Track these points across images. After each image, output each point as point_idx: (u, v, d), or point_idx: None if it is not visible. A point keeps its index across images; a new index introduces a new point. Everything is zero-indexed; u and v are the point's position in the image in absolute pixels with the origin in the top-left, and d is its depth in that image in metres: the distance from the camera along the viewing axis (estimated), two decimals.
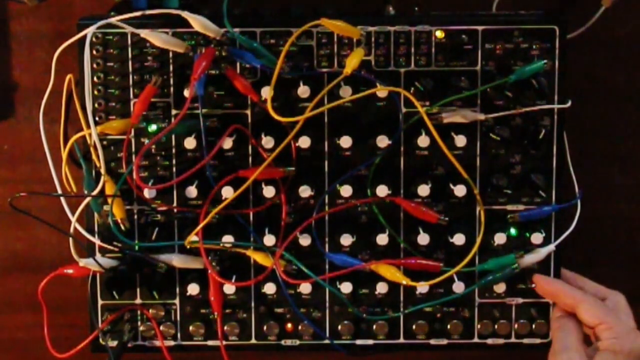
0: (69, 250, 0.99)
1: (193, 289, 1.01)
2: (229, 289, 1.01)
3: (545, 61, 0.97)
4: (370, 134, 0.98)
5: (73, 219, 0.99)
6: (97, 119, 0.99)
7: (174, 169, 1.00)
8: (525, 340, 1.02)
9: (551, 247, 0.99)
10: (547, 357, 0.96)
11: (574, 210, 0.99)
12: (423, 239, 0.99)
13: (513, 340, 1.02)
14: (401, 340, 1.02)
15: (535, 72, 0.97)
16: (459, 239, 0.99)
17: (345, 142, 0.98)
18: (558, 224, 1.00)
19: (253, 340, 1.02)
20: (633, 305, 1.05)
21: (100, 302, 1.01)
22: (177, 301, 1.02)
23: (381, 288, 1.01)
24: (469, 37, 0.98)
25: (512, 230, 1.00)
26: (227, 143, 0.99)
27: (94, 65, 0.98)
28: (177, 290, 1.02)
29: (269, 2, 1.04)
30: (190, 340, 1.02)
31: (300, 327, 1.02)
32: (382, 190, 0.98)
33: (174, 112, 0.99)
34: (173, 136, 0.99)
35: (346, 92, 0.98)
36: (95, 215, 1.00)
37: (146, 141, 0.99)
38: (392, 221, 1.00)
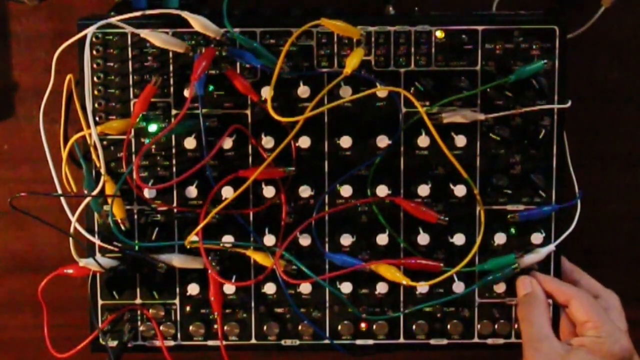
0: (69, 250, 0.99)
1: (193, 289, 1.01)
2: (229, 289, 1.01)
3: (545, 61, 0.97)
4: (370, 134, 0.98)
5: (73, 219, 0.99)
6: (97, 119, 0.99)
7: (174, 169, 1.00)
8: None
9: (551, 247, 0.99)
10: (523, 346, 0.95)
11: (574, 210, 0.99)
12: (423, 239, 0.99)
13: (513, 340, 1.02)
14: (401, 340, 1.02)
15: (535, 72, 0.97)
16: (459, 239, 0.99)
17: (345, 142, 0.98)
18: (558, 224, 1.00)
19: (253, 340, 1.02)
20: (633, 306, 1.05)
21: (100, 302, 1.01)
22: (177, 301, 1.02)
23: (381, 288, 1.01)
24: (469, 37, 0.98)
25: (512, 230, 1.00)
26: (227, 143, 0.99)
27: (94, 65, 0.98)
28: (177, 290, 1.02)
29: (269, 2, 1.04)
30: (190, 340, 1.02)
31: (300, 327, 1.02)
32: (382, 190, 0.98)
33: (174, 112, 0.99)
34: (173, 136, 0.99)
35: (346, 92, 0.98)
36: (95, 215, 1.00)
37: (146, 141, 0.99)
38: (392, 221, 1.00)
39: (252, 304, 1.02)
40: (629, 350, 0.93)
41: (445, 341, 1.02)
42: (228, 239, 1.00)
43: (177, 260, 1.00)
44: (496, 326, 1.02)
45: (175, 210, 1.00)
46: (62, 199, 1.00)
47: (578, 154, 1.01)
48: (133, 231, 1.00)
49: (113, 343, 1.01)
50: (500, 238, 1.00)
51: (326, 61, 0.98)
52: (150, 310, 1.02)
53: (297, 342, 1.02)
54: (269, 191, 0.99)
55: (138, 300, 1.02)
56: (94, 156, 0.99)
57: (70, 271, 1.00)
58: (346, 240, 1.00)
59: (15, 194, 0.97)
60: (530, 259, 0.99)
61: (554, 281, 0.98)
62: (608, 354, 0.92)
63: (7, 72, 1.06)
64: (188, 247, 0.99)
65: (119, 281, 1.01)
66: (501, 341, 1.02)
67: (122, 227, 1.00)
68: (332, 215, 1.00)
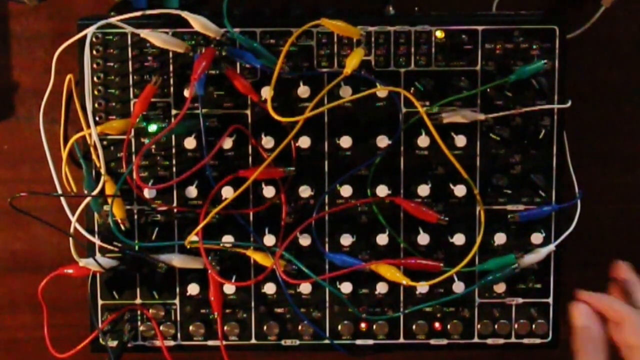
0: (69, 250, 0.99)
1: (193, 289, 1.01)
2: (229, 289, 1.01)
3: (545, 61, 0.97)
4: (370, 134, 0.98)
5: (73, 219, 0.99)
6: (97, 119, 0.99)
7: (174, 169, 1.00)
8: (525, 340, 1.02)
9: (551, 247, 0.99)
10: None
11: (574, 210, 0.99)
12: (423, 239, 0.99)
13: (513, 340, 1.02)
14: (401, 340, 1.02)
15: (535, 72, 0.97)
16: (459, 239, 0.99)
17: (345, 142, 0.98)
18: (558, 224, 1.00)
19: (253, 340, 1.02)
20: None
21: (100, 302, 1.01)
22: (177, 301, 1.02)
23: (381, 288, 1.01)
24: (469, 37, 0.98)
25: (512, 230, 1.00)
26: (227, 143, 0.99)
27: (94, 65, 0.98)
28: (177, 290, 1.02)
29: (269, 2, 1.04)
30: (190, 340, 1.02)
31: (300, 327, 1.02)
32: (382, 190, 0.98)
33: (174, 112, 0.99)
34: (173, 136, 0.99)
35: (346, 92, 0.98)
36: (95, 215, 1.00)
37: (146, 141, 0.99)
38: (392, 221, 1.00)
39: (252, 304, 1.02)
40: None
41: (445, 341, 1.02)
42: (228, 239, 1.00)
43: (177, 260, 1.00)
44: (496, 326, 1.02)
45: (175, 210, 1.00)
46: (62, 199, 1.00)
47: (578, 154, 1.01)
48: (133, 231, 1.00)
49: (113, 343, 1.01)
50: (500, 238, 1.00)
51: (326, 61, 0.98)
52: (150, 310, 1.02)
53: (297, 342, 1.02)
54: (269, 191, 0.99)
55: (138, 300, 1.02)
56: (94, 156, 0.99)
57: (70, 271, 1.00)
58: (346, 240, 1.00)
59: (15, 194, 0.97)
60: (530, 259, 0.99)
61: (607, 299, 0.96)
62: None
63: (7, 72, 1.06)
64: (188, 247, 0.99)
65: (119, 281, 1.01)
66: (501, 341, 1.02)
67: (122, 227, 1.00)
68: (332, 215, 1.00)
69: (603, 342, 0.94)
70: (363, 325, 1.02)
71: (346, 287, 1.01)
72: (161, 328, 1.02)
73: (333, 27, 0.95)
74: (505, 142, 0.99)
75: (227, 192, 0.98)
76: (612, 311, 0.95)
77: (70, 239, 0.99)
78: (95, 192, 0.98)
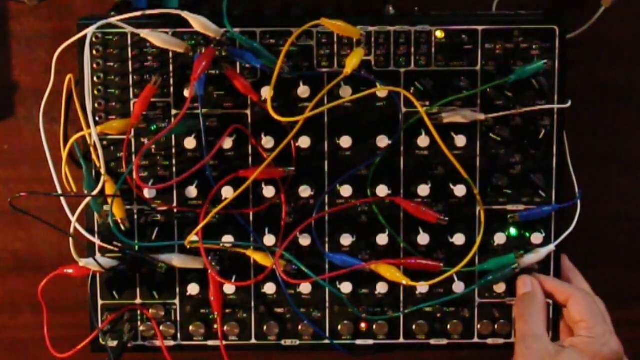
0: (69, 250, 0.99)
1: (193, 289, 1.01)
2: (229, 289, 1.01)
3: (545, 61, 0.97)
4: (370, 134, 0.98)
5: (73, 219, 0.99)
6: (97, 119, 0.99)
7: (174, 169, 1.00)
8: None
9: (551, 247, 0.99)
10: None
11: (574, 210, 0.99)
12: (423, 239, 0.99)
13: (513, 340, 1.02)
14: (401, 340, 1.02)
15: (535, 72, 0.97)
16: (459, 239, 0.99)
17: (345, 142, 0.98)
18: (558, 224, 1.00)
19: (253, 340, 1.02)
20: (633, 306, 1.05)
21: (100, 302, 1.01)
22: (177, 301, 1.02)
23: (381, 288, 1.01)
24: (469, 37, 0.98)
25: (512, 230, 1.00)
26: (227, 143, 0.99)
27: (94, 65, 0.98)
28: (177, 290, 1.02)
29: (269, 2, 1.04)
30: (190, 340, 1.02)
31: (300, 327, 1.02)
32: (382, 190, 0.98)
33: (174, 112, 0.99)
34: (173, 136, 0.99)
35: (346, 92, 0.98)
36: (95, 215, 1.00)
37: (146, 141, 0.99)
38: (392, 221, 1.00)
39: (252, 304, 1.02)
40: (618, 353, 0.93)
41: (445, 341, 1.02)
42: (228, 239, 1.00)
43: (177, 260, 1.00)
44: (496, 326, 1.02)
45: (175, 210, 1.00)
46: (62, 199, 1.00)
47: (578, 154, 1.01)
48: (133, 231, 1.00)
49: (113, 343, 1.01)
50: (500, 238, 1.00)
51: (326, 61, 0.98)
52: (150, 310, 1.02)
53: (297, 342, 1.02)
54: (269, 191, 0.99)
55: (138, 300, 1.02)
56: (94, 156, 0.99)
57: (70, 271, 1.00)
58: (346, 240, 1.00)
59: (15, 194, 0.97)
60: (530, 259, 0.99)
61: (554, 281, 0.99)
62: (597, 355, 0.92)
63: (7, 72, 1.06)
64: (188, 247, 0.99)
65: (119, 281, 1.01)
66: (501, 341, 1.02)
67: (122, 227, 1.00)
68: (332, 215, 1.00)
69: (544, 309, 0.96)
70: (363, 325, 1.02)
71: (346, 287, 1.01)
72: (161, 328, 1.02)
73: (333, 27, 0.95)
74: (505, 142, 0.99)
75: (227, 192, 0.98)
76: (558, 291, 0.97)
77: (70, 239, 0.99)
78: (95, 192, 0.98)
